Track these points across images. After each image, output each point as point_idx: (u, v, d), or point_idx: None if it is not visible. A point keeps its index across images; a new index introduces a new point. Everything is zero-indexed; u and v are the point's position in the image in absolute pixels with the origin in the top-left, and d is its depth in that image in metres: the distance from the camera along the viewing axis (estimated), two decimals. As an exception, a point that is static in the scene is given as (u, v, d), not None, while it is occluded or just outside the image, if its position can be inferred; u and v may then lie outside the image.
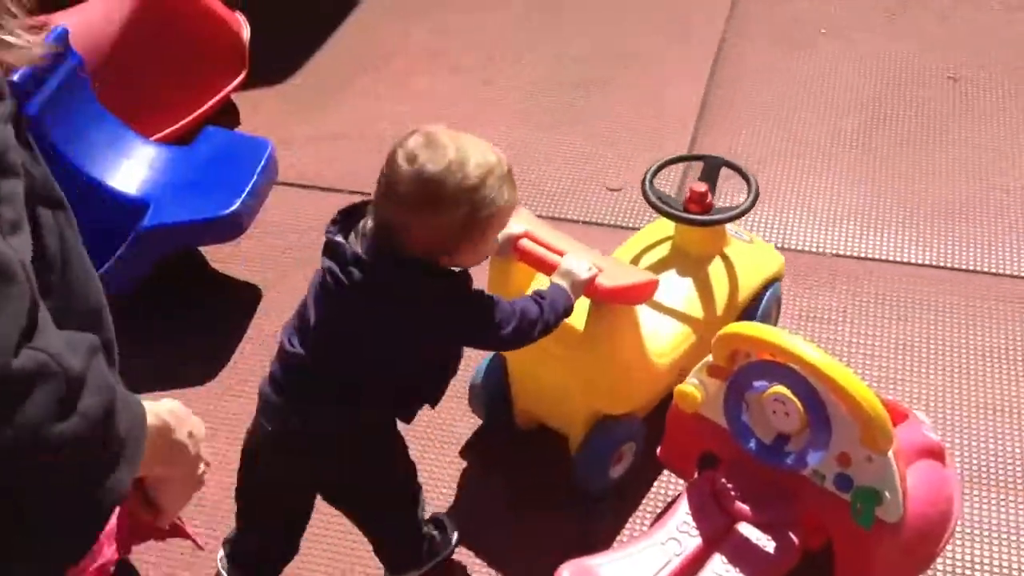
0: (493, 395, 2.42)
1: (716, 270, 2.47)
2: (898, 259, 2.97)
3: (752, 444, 2.02)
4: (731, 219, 2.36)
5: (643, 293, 2.14)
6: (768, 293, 2.52)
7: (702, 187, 2.36)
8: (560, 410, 2.35)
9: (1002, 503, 2.32)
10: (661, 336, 2.34)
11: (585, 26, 4.07)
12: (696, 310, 2.41)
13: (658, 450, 2.28)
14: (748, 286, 2.48)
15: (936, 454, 2.10)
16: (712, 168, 2.43)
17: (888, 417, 1.87)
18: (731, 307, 2.43)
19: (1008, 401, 2.55)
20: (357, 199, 1.79)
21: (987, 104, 3.54)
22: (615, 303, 2.09)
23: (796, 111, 3.56)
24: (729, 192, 2.88)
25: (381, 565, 2.15)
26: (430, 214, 1.67)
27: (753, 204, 2.36)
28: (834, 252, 2.99)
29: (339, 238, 1.73)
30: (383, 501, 2.01)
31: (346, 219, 1.77)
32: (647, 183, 2.40)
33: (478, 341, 1.94)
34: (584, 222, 3.14)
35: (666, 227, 2.55)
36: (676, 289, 2.42)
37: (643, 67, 3.82)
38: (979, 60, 3.74)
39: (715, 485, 2.08)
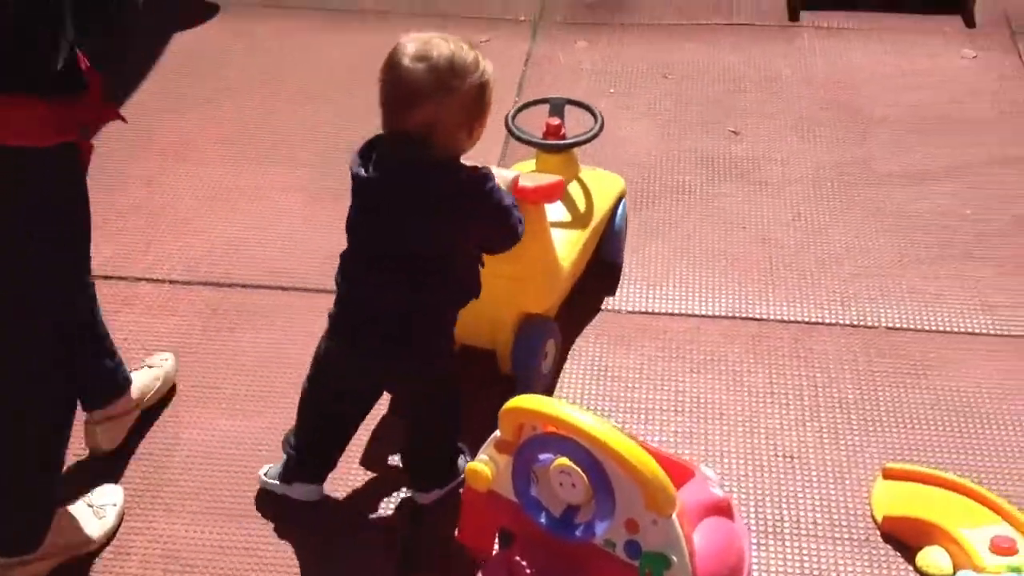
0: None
1: (577, 189, 2.91)
2: (685, 312, 3.03)
3: (543, 517, 2.01)
4: (584, 142, 2.83)
5: (557, 191, 2.49)
6: (620, 207, 3.06)
7: (556, 121, 2.83)
8: (484, 323, 2.56)
9: (794, 551, 2.36)
10: (558, 243, 2.72)
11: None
12: (576, 221, 2.84)
13: (456, 532, 2.25)
14: (606, 200, 2.97)
15: (724, 510, 2.13)
16: (558, 106, 2.90)
17: (668, 479, 1.89)
18: (599, 217, 2.91)
19: (793, 446, 2.61)
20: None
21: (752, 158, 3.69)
22: (536, 201, 2.41)
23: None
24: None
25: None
26: (454, 93, 1.95)
27: (600, 130, 2.85)
28: (628, 309, 3.04)
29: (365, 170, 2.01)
30: (439, 399, 2.31)
31: (367, 152, 2.05)
32: (511, 123, 2.82)
33: (506, 225, 2.12)
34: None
35: (527, 167, 2.90)
36: (554, 205, 2.73)
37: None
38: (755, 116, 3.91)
39: (510, 563, 2.06)
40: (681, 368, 2.84)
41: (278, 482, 2.40)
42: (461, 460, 2.42)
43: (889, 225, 3.37)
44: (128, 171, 3.59)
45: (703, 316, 3.02)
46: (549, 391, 2.72)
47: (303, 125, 3.85)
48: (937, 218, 3.41)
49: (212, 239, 3.31)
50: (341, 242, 2.18)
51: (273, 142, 3.76)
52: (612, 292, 3.09)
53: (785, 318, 3.01)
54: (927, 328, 2.98)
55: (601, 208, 2.94)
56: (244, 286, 3.12)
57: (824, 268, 3.19)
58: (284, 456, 2.40)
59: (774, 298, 3.08)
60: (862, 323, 2.99)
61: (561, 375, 2.80)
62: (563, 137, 2.85)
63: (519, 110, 2.90)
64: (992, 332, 2.97)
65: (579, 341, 2.90)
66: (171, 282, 3.13)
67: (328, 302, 2.25)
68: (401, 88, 1.96)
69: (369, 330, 2.11)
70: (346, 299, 2.16)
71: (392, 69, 1.97)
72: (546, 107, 2.95)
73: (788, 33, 4.37)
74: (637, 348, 2.91)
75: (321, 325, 2.27)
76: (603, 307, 3.05)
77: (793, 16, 4.45)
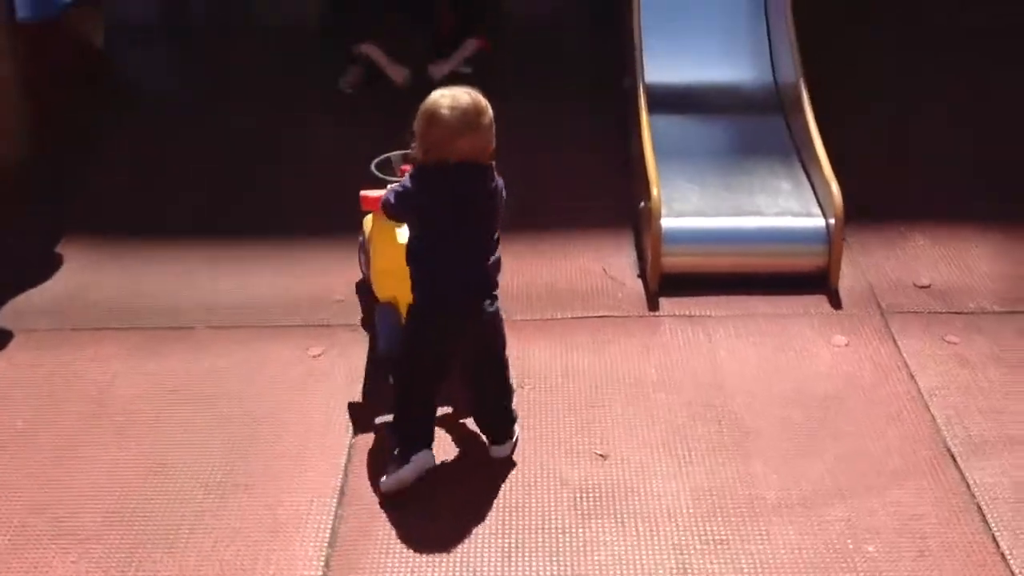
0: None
1: None
2: None
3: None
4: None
5: (369, 203, 3.33)
6: None
7: (407, 166, 3.24)
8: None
9: None
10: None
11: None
12: None
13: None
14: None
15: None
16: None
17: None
18: None
19: None
20: None
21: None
22: (364, 207, 3.39)
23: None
24: None
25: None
26: (489, 124, 2.89)
27: None
28: None
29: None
30: (502, 344, 3.12)
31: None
32: (373, 170, 3.55)
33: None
34: None
35: None
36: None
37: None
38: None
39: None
40: None
41: (404, 468, 3.05)
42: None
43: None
44: None
45: None
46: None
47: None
48: (836, 558, 3.02)
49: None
50: None
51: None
52: None
53: None
54: None
55: None
56: None
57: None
58: (396, 447, 3.09)
59: None
60: None
61: None
62: None
63: (381, 162, 3.60)
64: None
65: None
66: None
67: None
68: (465, 128, 2.89)
69: (459, 294, 2.96)
70: (434, 277, 2.95)
71: (449, 126, 2.88)
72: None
73: (649, 325, 4.05)
74: None
75: None
76: None
77: (653, 305, 4.15)
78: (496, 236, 3.03)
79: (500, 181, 3.00)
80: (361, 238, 3.86)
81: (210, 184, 5.01)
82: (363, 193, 3.35)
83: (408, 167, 3.22)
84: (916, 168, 5.03)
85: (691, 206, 4.40)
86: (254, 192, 4.92)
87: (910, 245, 4.51)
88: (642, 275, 4.27)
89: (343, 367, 3.74)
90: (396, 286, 3.32)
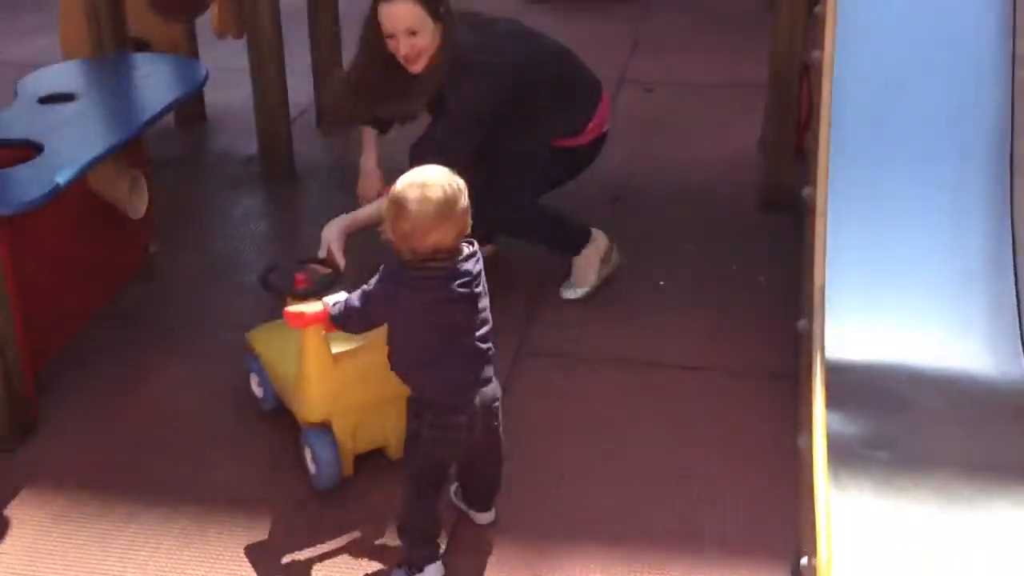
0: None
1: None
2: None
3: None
4: (326, 287, 2.91)
5: (306, 320, 2.70)
6: None
7: (302, 274, 2.96)
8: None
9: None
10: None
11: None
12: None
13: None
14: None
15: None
16: (302, 263, 3.11)
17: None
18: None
19: None
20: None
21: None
22: (299, 326, 2.75)
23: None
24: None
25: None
26: (466, 209, 2.50)
27: (338, 275, 3.07)
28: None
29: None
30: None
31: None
32: (262, 282, 3.04)
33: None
34: None
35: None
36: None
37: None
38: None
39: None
40: None
41: None
42: None
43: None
44: None
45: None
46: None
47: None
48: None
49: None
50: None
51: None
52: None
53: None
54: None
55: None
56: None
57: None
58: (407, 561, 2.63)
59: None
60: None
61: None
62: (309, 284, 3.00)
63: (272, 273, 3.09)
64: None
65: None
66: None
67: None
68: (444, 216, 2.47)
69: (475, 390, 2.60)
70: (451, 378, 2.60)
71: (421, 213, 2.45)
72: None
73: None
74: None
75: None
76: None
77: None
78: (487, 311, 2.67)
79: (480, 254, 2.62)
80: (253, 362, 3.15)
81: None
82: (291, 310, 2.74)
83: (303, 275, 2.97)
84: None
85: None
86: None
87: None
88: None
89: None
90: (331, 407, 2.87)
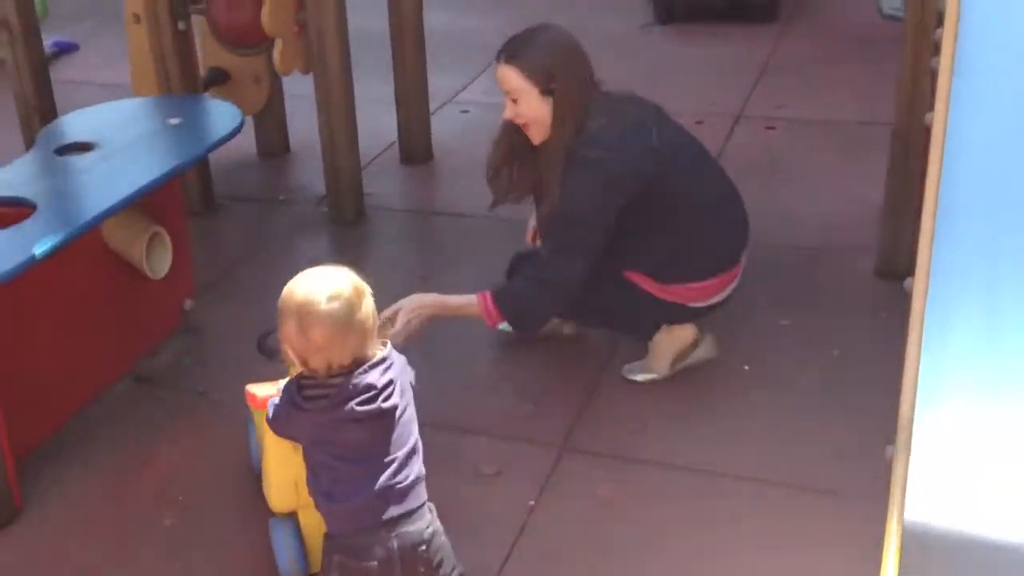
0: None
1: None
2: None
3: None
4: None
5: (257, 404, 2.48)
6: None
7: None
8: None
9: None
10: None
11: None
12: None
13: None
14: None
15: None
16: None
17: None
18: None
19: None
20: None
21: None
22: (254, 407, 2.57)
23: None
24: None
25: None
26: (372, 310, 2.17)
27: None
28: None
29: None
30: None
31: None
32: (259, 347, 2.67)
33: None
34: None
35: None
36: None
37: None
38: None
39: None
40: None
41: None
42: None
43: None
44: None
45: None
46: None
47: None
48: None
49: None
50: None
51: None
52: None
53: None
54: None
55: None
56: None
57: None
58: None
59: None
60: None
61: None
62: None
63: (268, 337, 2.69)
64: None
65: None
66: None
67: None
68: (349, 324, 2.12)
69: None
70: (365, 521, 2.18)
71: (335, 320, 2.10)
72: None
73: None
74: None
75: None
76: None
77: None
78: (410, 426, 2.25)
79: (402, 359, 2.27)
80: (250, 422, 2.88)
81: None
82: (249, 389, 2.55)
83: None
84: None
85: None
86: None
87: None
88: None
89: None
90: (295, 498, 2.57)
